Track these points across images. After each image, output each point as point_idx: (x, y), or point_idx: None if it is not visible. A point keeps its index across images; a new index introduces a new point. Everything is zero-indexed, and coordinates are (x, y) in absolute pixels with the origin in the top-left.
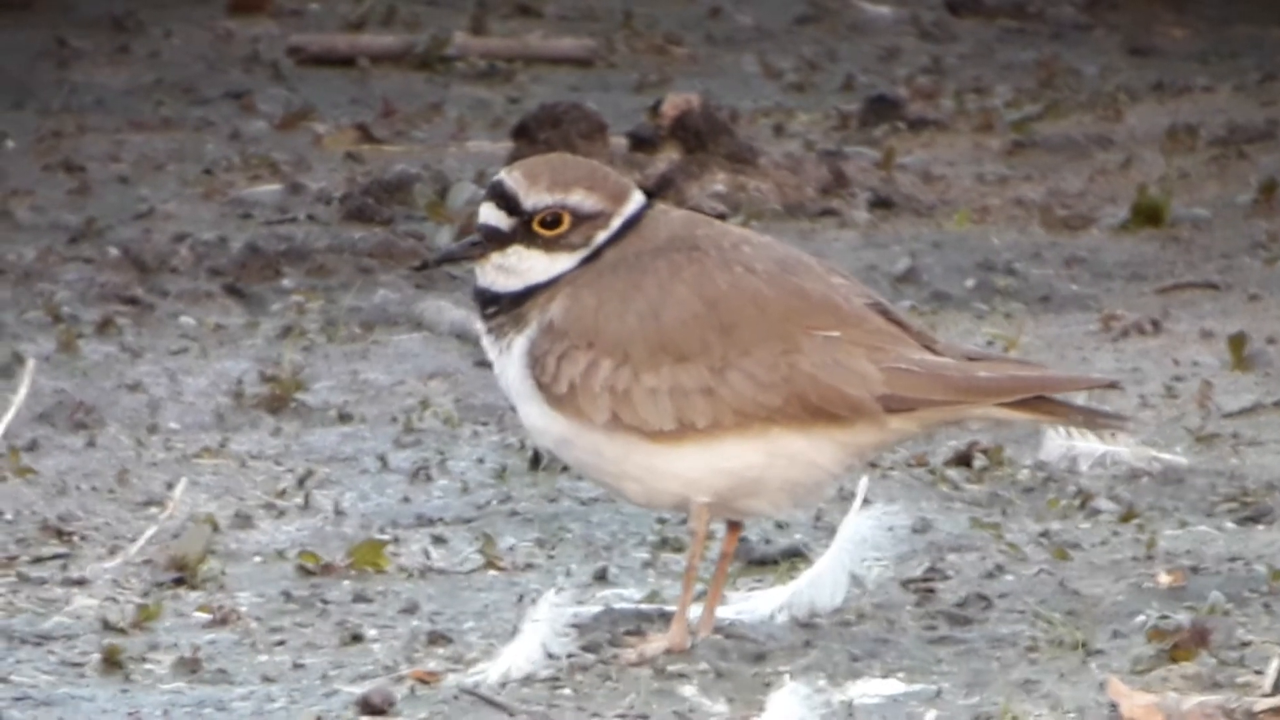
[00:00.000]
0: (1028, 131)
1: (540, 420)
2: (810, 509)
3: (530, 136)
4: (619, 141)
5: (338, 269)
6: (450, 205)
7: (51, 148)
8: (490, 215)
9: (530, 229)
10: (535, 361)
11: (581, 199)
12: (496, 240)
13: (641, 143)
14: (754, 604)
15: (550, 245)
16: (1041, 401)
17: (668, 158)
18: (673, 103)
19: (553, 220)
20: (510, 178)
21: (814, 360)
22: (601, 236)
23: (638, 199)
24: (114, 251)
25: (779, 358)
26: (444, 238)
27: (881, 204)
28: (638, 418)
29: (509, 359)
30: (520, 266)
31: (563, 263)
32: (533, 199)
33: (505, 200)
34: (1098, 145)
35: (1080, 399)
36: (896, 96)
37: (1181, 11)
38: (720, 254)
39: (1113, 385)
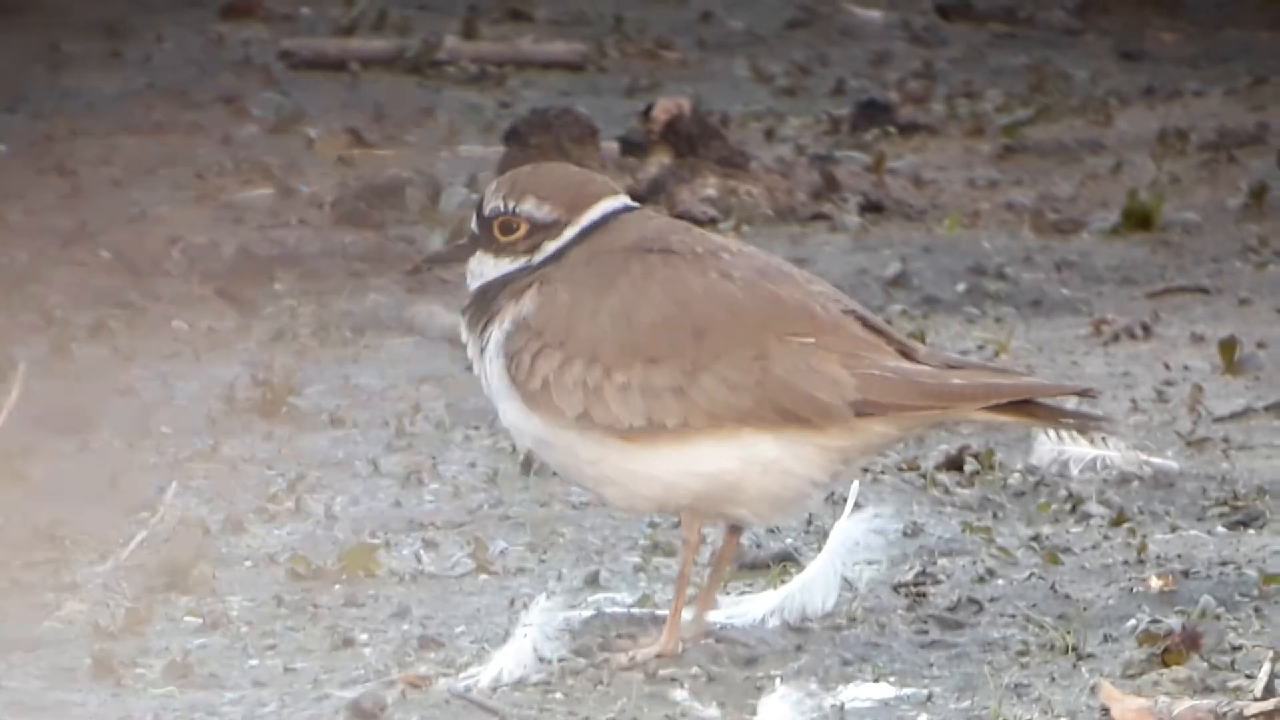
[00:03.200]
0: (1018, 136)
1: (517, 418)
2: (796, 516)
3: (521, 141)
4: (610, 146)
5: (329, 273)
6: (442, 210)
7: (44, 151)
8: (472, 220)
9: (490, 234)
10: (511, 358)
11: (531, 207)
12: (472, 244)
13: (632, 147)
14: (745, 608)
15: (500, 250)
16: (1019, 405)
17: (659, 162)
18: (664, 107)
19: (505, 226)
20: (489, 183)
21: (786, 365)
22: (552, 245)
23: (604, 206)
24: (106, 255)
25: (751, 362)
26: (435, 242)
27: (872, 208)
28: (609, 415)
29: (486, 356)
30: (479, 269)
31: (506, 265)
32: (490, 205)
33: (477, 206)
34: (1088, 149)
35: (1070, 402)
36: (887, 101)
37: (1172, 16)
38: (695, 258)
39: (1085, 393)
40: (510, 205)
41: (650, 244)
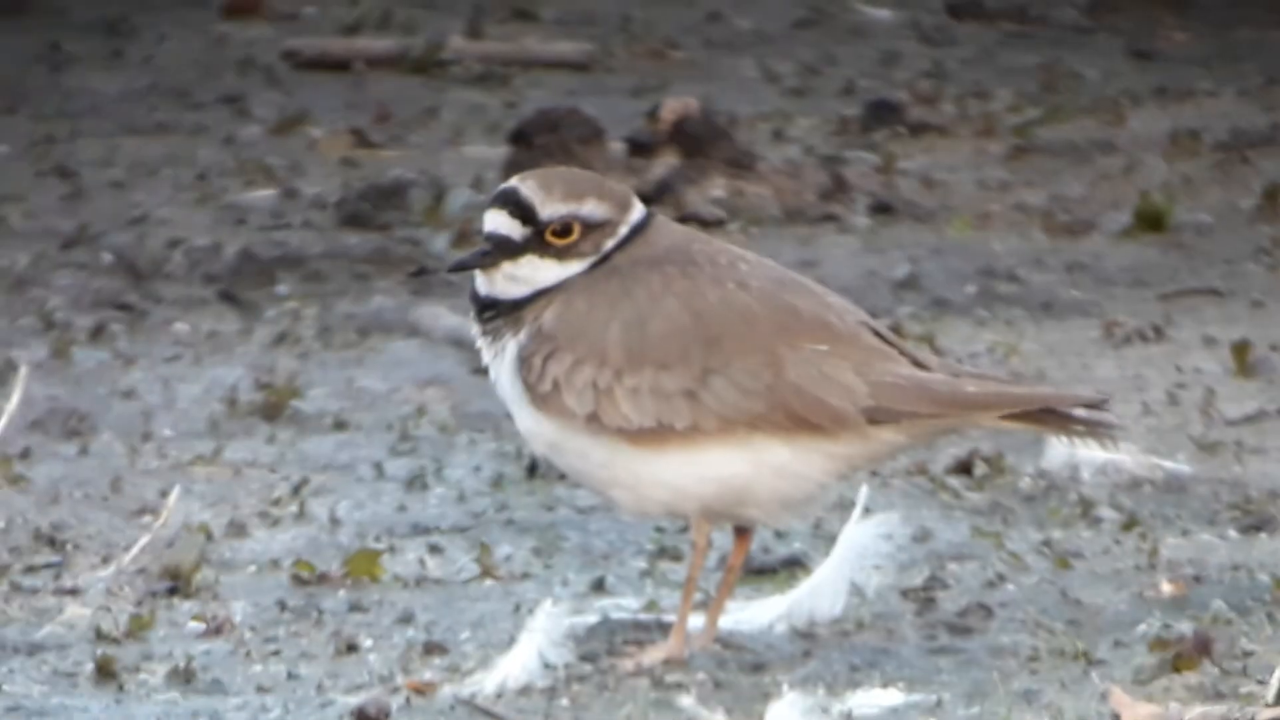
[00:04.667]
0: (1029, 136)
1: (530, 423)
2: (808, 517)
3: (527, 141)
4: (617, 146)
5: (333, 275)
6: (446, 211)
7: (45, 153)
8: (503, 224)
9: (543, 238)
10: (523, 363)
11: (593, 208)
12: (508, 249)
13: (640, 148)
14: (753, 614)
15: (562, 254)
16: (1030, 412)
17: (666, 163)
18: (671, 107)
19: (564, 229)
20: (525, 187)
21: (799, 370)
22: (609, 244)
23: (640, 207)
24: (107, 257)
25: (763, 366)
26: (440, 244)
27: (882, 209)
28: (619, 416)
29: (502, 363)
30: (533, 275)
31: (572, 269)
32: (548, 209)
33: (520, 210)
34: (1100, 150)
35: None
36: (897, 101)
37: (1184, 15)
38: (714, 269)
39: (1096, 404)
40: (572, 208)
41: (671, 254)
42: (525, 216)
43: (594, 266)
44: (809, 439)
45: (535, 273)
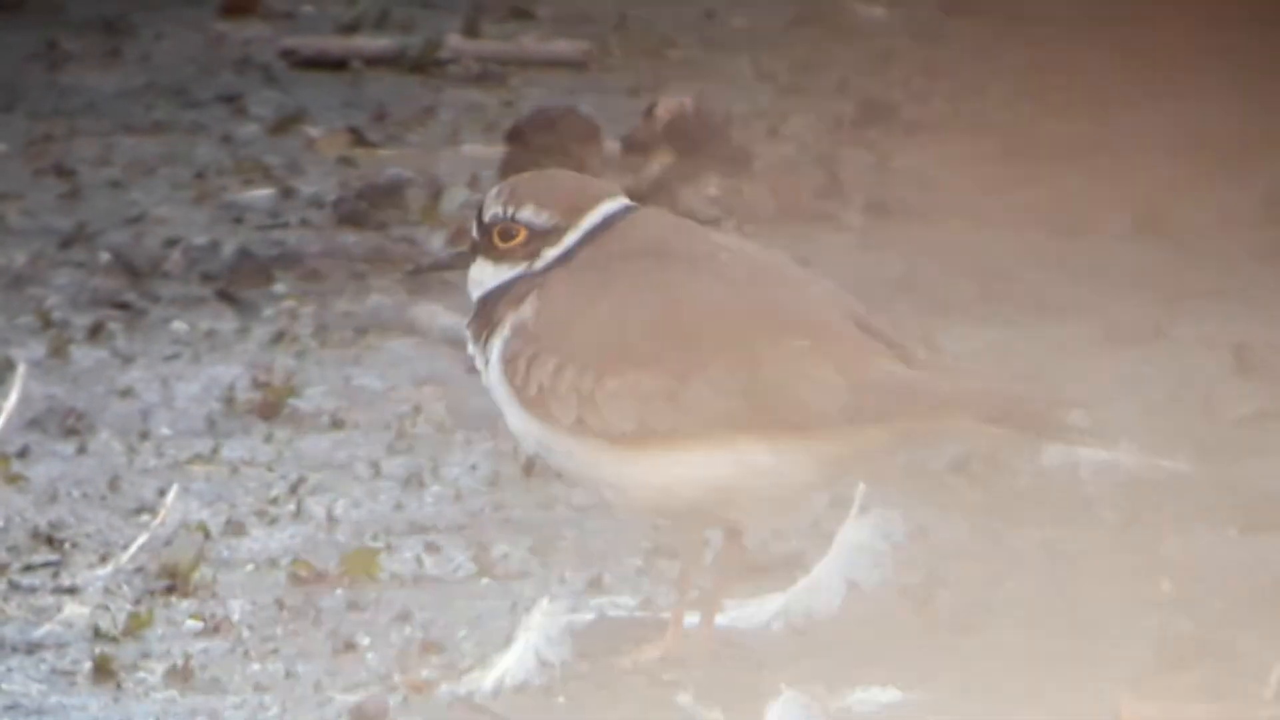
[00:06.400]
0: (1025, 134)
1: (519, 424)
2: (796, 520)
3: (524, 140)
4: (612, 145)
5: (330, 274)
6: (443, 210)
7: (42, 151)
8: (472, 227)
9: (490, 241)
10: (508, 364)
11: (531, 214)
12: (471, 251)
13: (635, 146)
14: (750, 611)
15: (500, 257)
16: (1014, 416)
17: (661, 161)
18: (666, 106)
19: (505, 233)
20: (493, 189)
21: (778, 369)
22: (550, 252)
23: (604, 209)
24: (105, 256)
25: (742, 366)
26: (437, 243)
27: (877, 208)
28: (602, 421)
29: (489, 363)
30: (479, 277)
31: (505, 273)
32: (490, 211)
33: (477, 212)
34: (1097, 148)
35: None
36: (891, 99)
37: (1182, 11)
38: (692, 261)
39: (1080, 407)
40: (509, 211)
41: (648, 246)
42: (477, 219)
43: (548, 268)
44: (791, 440)
45: (481, 274)
